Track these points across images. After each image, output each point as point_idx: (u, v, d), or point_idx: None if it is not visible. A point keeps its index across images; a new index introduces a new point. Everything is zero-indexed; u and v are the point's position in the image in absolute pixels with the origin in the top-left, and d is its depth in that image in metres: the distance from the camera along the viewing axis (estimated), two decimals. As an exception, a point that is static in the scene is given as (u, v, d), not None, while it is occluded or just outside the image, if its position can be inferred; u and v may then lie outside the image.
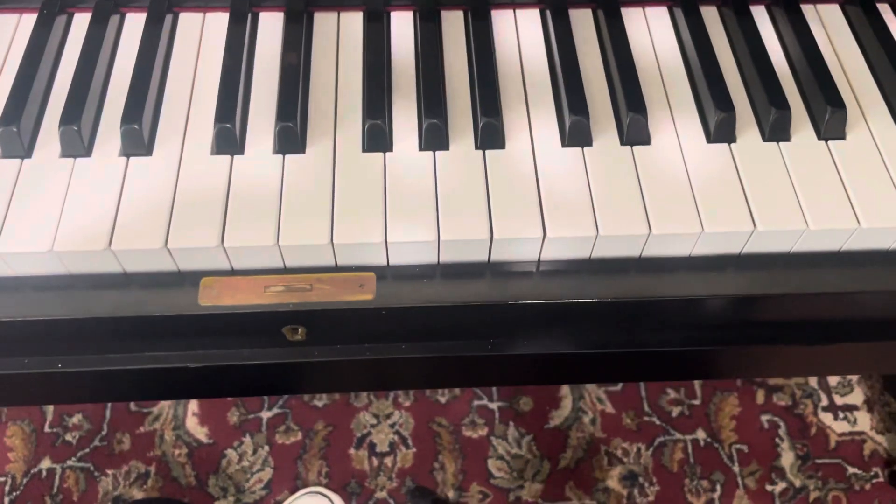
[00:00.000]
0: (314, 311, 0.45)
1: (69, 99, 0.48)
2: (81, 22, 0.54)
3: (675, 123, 0.50)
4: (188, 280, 0.45)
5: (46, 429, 1.25)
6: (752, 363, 0.55)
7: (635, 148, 0.48)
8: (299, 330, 0.46)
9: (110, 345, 0.47)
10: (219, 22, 0.54)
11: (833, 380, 1.30)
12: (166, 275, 0.45)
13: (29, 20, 0.53)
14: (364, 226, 0.44)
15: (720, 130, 0.48)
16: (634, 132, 0.48)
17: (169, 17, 0.54)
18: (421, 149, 0.48)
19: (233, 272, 0.45)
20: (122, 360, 0.43)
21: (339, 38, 0.54)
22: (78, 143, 0.47)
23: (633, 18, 0.55)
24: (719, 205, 0.45)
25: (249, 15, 0.54)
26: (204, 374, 0.48)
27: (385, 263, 0.46)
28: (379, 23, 0.53)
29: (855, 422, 1.24)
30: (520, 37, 0.54)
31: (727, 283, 0.46)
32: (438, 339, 0.49)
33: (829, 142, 0.49)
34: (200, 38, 0.53)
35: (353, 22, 0.54)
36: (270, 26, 0.54)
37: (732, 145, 0.48)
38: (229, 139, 0.47)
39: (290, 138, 0.47)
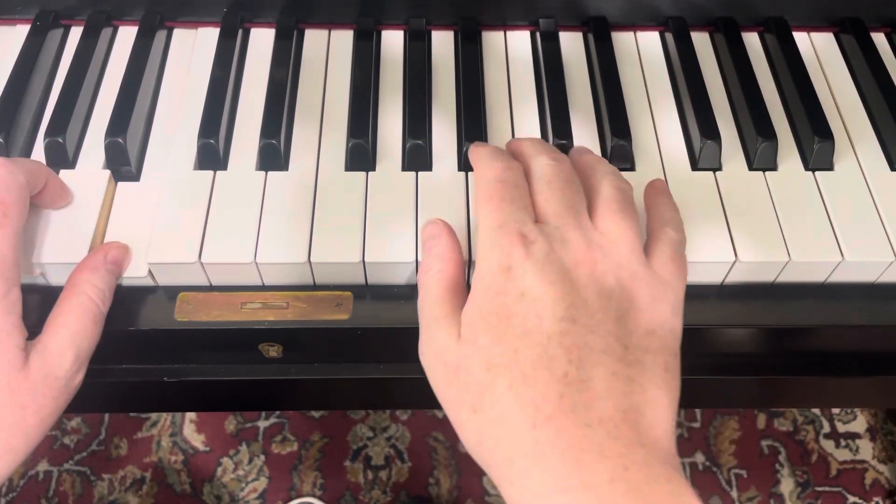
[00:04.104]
0: (290, 329, 0.44)
1: (55, 111, 0.48)
2: (76, 34, 0.54)
3: (661, 148, 0.49)
4: (166, 295, 0.45)
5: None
6: (731, 393, 0.54)
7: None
8: (276, 347, 0.46)
9: (88, 356, 0.47)
10: (210, 37, 0.54)
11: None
12: (144, 289, 0.45)
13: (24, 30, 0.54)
14: (342, 245, 0.44)
15: (706, 158, 0.48)
16: (618, 156, 0.48)
17: (161, 31, 0.54)
18: (403, 169, 0.48)
19: (211, 288, 0.45)
20: (97, 373, 0.43)
21: (329, 55, 0.54)
22: (63, 155, 0.47)
23: (623, 42, 0.55)
24: (701, 234, 0.45)
25: (240, 31, 0.54)
26: (180, 388, 0.48)
27: (363, 283, 0.46)
28: (368, 41, 0.53)
29: (857, 450, 1.23)
30: (510, 49, 0.54)
31: (708, 314, 0.46)
32: (417, 361, 0.48)
33: (816, 172, 0.48)
34: (191, 53, 0.54)
35: (344, 40, 0.55)
36: (261, 42, 0.54)
37: (718, 173, 0.48)
38: (212, 155, 0.47)
39: (273, 155, 0.47)
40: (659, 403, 0.34)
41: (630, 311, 0.35)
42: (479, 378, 0.34)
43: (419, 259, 0.44)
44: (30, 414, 0.38)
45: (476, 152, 0.43)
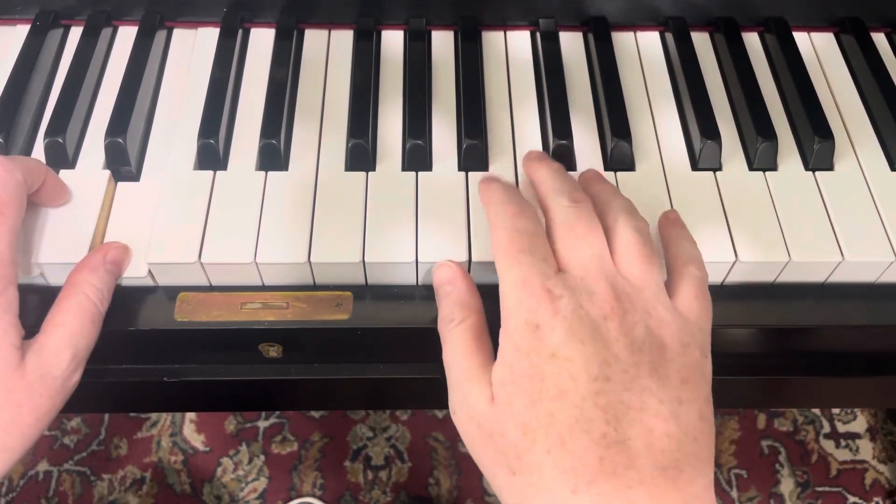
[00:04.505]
0: (290, 329, 0.44)
1: (55, 111, 0.48)
2: (76, 34, 0.54)
3: (661, 148, 0.49)
4: (166, 295, 0.45)
5: (45, 431, 1.26)
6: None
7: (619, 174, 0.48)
8: (276, 347, 0.46)
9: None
10: (210, 37, 0.54)
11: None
12: (144, 289, 0.45)
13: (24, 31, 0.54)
14: (342, 245, 0.44)
15: (706, 158, 0.48)
16: (618, 156, 0.48)
17: (161, 31, 0.54)
18: (403, 169, 0.48)
19: (211, 288, 0.45)
20: (97, 373, 0.43)
21: (329, 55, 0.54)
22: (63, 155, 0.47)
23: (623, 42, 0.55)
24: (701, 234, 0.45)
25: (240, 31, 0.54)
26: (180, 388, 0.48)
27: (363, 283, 0.46)
28: (368, 41, 0.53)
29: (857, 450, 1.23)
30: (510, 49, 0.54)
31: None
32: (417, 361, 0.48)
33: (816, 172, 0.48)
34: (191, 53, 0.54)
35: (344, 40, 0.55)
36: (261, 42, 0.54)
37: (718, 173, 0.48)
38: (212, 155, 0.47)
39: (273, 155, 0.47)
40: (696, 456, 0.33)
41: (662, 361, 0.34)
42: (516, 442, 0.34)
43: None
44: (26, 413, 0.38)
45: (487, 193, 0.42)
